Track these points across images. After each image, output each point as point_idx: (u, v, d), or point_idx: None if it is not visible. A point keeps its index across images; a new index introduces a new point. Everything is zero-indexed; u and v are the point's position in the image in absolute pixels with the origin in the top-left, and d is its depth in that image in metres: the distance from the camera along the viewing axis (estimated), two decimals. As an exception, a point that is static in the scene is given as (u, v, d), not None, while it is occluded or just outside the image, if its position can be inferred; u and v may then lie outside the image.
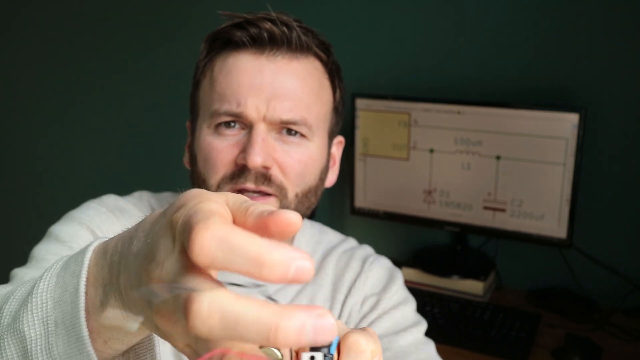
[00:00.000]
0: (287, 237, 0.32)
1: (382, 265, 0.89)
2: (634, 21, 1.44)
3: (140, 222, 0.39)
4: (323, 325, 0.28)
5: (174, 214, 0.34)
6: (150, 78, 2.08)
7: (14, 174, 2.44)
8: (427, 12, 1.65)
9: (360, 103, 1.63)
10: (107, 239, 0.42)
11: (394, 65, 1.72)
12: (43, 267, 0.71)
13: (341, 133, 1.75)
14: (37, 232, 0.91)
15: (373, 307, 0.83)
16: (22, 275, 0.69)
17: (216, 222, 0.30)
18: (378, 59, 1.74)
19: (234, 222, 0.34)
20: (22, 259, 0.78)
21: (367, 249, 0.93)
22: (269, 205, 0.34)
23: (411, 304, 0.88)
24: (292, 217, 0.32)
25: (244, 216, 0.33)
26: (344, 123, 1.68)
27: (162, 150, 2.10)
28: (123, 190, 0.99)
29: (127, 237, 0.39)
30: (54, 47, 2.22)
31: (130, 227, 0.40)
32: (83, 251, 0.42)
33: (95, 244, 0.42)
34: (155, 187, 1.03)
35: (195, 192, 0.35)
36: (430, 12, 1.65)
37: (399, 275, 0.89)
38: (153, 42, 2.04)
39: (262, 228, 0.32)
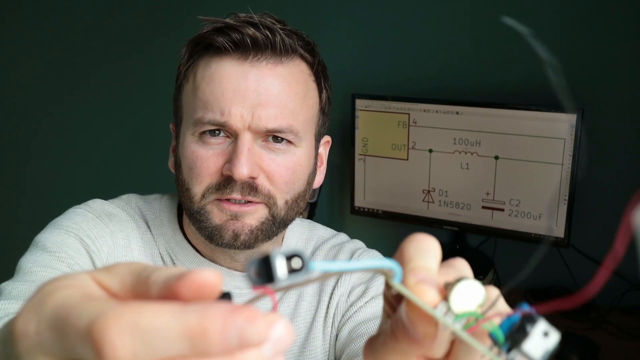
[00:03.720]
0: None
1: (370, 257, 0.88)
2: (631, 22, 1.45)
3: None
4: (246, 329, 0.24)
5: (29, 327, 0.27)
6: (144, 78, 2.08)
7: (5, 173, 2.45)
8: (426, 13, 1.66)
9: (359, 103, 1.64)
10: (2, 323, 0.36)
11: (394, 66, 1.73)
12: (31, 280, 0.69)
13: (341, 133, 1.76)
14: (28, 230, 0.91)
15: (361, 295, 0.82)
16: (10, 290, 0.68)
17: (113, 309, 0.24)
18: (378, 59, 1.75)
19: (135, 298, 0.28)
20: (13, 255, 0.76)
21: (357, 243, 0.91)
22: (173, 267, 0.28)
23: None
24: (208, 276, 0.26)
25: (145, 287, 0.27)
26: (343, 123, 1.70)
27: (155, 150, 2.10)
28: (112, 191, 0.98)
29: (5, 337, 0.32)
30: (45, 47, 2.22)
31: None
32: None
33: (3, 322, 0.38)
34: (144, 189, 1.01)
35: (47, 290, 0.28)
36: (429, 13, 1.66)
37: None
38: (146, 41, 2.05)
39: (172, 297, 0.26)
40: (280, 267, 0.26)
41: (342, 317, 0.82)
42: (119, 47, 2.11)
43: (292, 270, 0.26)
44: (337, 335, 0.82)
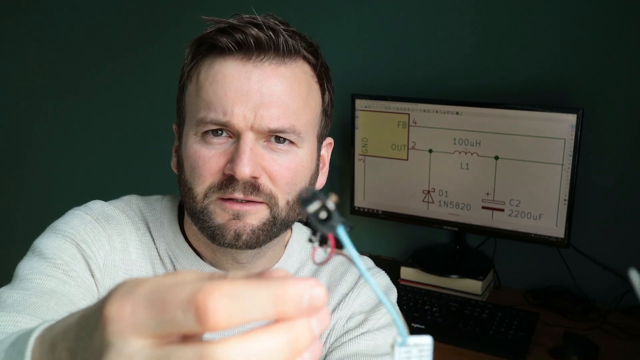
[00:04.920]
0: None
1: (377, 283, 0.87)
2: (630, 23, 1.45)
3: (84, 315, 0.35)
4: (316, 296, 0.30)
5: (124, 309, 0.30)
6: (144, 78, 2.08)
7: (6, 173, 2.45)
8: (426, 14, 1.66)
9: (359, 103, 1.64)
10: (53, 324, 0.39)
11: (394, 66, 1.73)
12: (25, 287, 0.70)
13: (341, 133, 1.76)
14: (29, 230, 0.91)
15: (358, 325, 0.82)
16: (5, 298, 0.68)
17: (214, 282, 0.29)
18: (377, 59, 1.75)
19: None
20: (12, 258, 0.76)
21: (367, 261, 0.91)
22: (242, 271, 0.34)
23: None
24: (283, 274, 0.32)
25: None
26: (343, 123, 1.70)
27: (156, 151, 2.10)
28: (113, 191, 0.97)
29: (73, 333, 0.35)
30: (44, 47, 2.22)
31: (74, 319, 0.36)
32: (30, 332, 0.40)
33: (40, 329, 0.40)
34: (146, 189, 1.01)
35: (134, 281, 0.32)
36: (429, 13, 1.66)
37: (392, 296, 0.88)
38: (146, 42, 2.05)
39: None
40: (314, 205, 0.32)
41: (336, 340, 0.82)
42: (119, 48, 2.12)
43: (319, 216, 0.32)
44: (325, 357, 0.81)
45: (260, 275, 0.32)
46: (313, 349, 0.31)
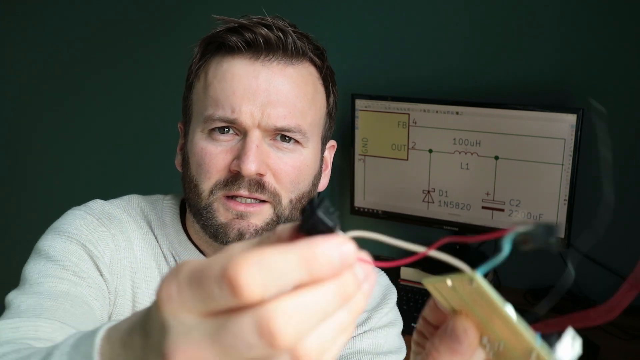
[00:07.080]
0: None
1: (378, 282, 0.89)
2: (630, 23, 1.45)
3: (147, 308, 0.35)
4: (346, 252, 0.30)
5: (170, 289, 0.31)
6: (145, 78, 2.08)
7: (7, 173, 2.45)
8: (426, 14, 1.66)
9: (359, 103, 1.64)
10: (117, 323, 0.40)
11: (394, 66, 1.73)
12: (38, 291, 0.69)
13: (341, 133, 1.76)
14: (30, 230, 0.91)
15: (361, 323, 0.83)
16: (19, 303, 0.67)
17: (242, 254, 0.29)
18: (377, 59, 1.75)
19: None
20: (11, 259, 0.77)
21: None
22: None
23: (398, 327, 0.88)
24: (282, 231, 0.33)
25: None
26: (343, 123, 1.70)
27: (156, 151, 2.10)
28: (115, 192, 0.97)
29: (139, 326, 0.36)
30: (46, 47, 2.22)
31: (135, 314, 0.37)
32: (93, 333, 0.40)
33: (104, 329, 0.40)
34: (148, 189, 1.00)
35: (182, 262, 0.32)
36: (429, 13, 1.66)
37: (393, 295, 0.89)
38: (147, 42, 2.05)
39: None
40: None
41: None
42: (121, 48, 2.12)
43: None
44: None
45: (278, 237, 0.32)
46: (358, 299, 0.32)
